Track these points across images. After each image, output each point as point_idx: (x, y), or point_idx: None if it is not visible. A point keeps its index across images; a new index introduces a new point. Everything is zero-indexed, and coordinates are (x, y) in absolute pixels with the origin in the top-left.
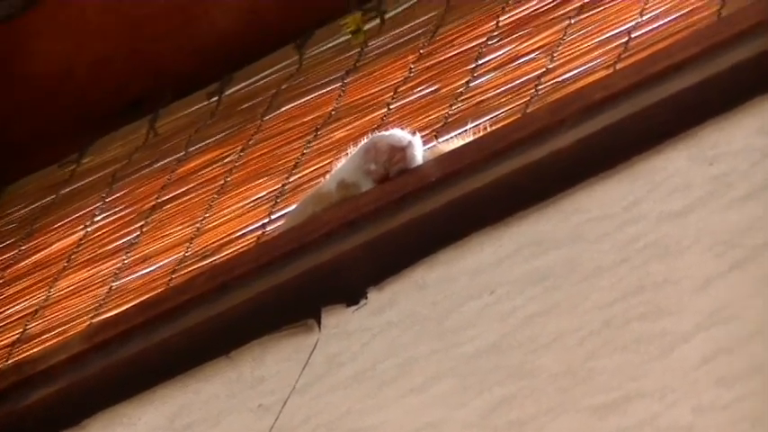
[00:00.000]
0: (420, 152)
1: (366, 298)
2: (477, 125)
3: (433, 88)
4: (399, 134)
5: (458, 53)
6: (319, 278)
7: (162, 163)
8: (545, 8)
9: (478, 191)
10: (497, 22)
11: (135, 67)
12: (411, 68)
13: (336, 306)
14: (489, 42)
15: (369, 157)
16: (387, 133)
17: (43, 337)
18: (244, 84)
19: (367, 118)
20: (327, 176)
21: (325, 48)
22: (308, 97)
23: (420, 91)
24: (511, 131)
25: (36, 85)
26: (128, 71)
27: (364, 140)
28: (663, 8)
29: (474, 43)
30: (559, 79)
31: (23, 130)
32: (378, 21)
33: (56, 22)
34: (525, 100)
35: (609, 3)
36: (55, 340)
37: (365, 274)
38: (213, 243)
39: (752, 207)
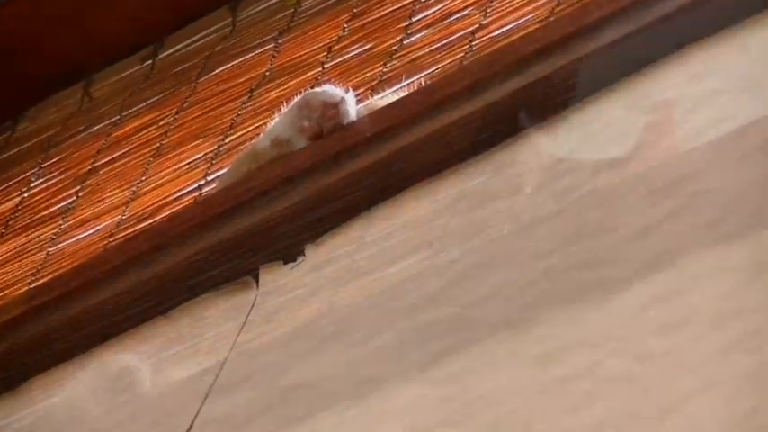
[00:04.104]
0: (353, 108)
1: (304, 255)
2: (411, 82)
3: (367, 47)
4: (332, 90)
5: (391, 11)
6: (256, 236)
7: (97, 127)
8: None
9: (413, 145)
10: None
11: (68, 34)
12: (345, 27)
13: (274, 264)
14: (422, 0)
15: (302, 113)
16: (319, 89)
17: None
18: (177, 47)
19: (301, 78)
20: (261, 135)
21: (258, 9)
22: (242, 59)
23: (354, 50)
24: (444, 85)
25: None
26: (61, 38)
27: (298, 98)
28: None
29: (407, 1)
30: (494, 35)
31: None
32: None
33: None
34: (460, 56)
35: None
36: None
37: (302, 232)
38: (150, 206)
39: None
